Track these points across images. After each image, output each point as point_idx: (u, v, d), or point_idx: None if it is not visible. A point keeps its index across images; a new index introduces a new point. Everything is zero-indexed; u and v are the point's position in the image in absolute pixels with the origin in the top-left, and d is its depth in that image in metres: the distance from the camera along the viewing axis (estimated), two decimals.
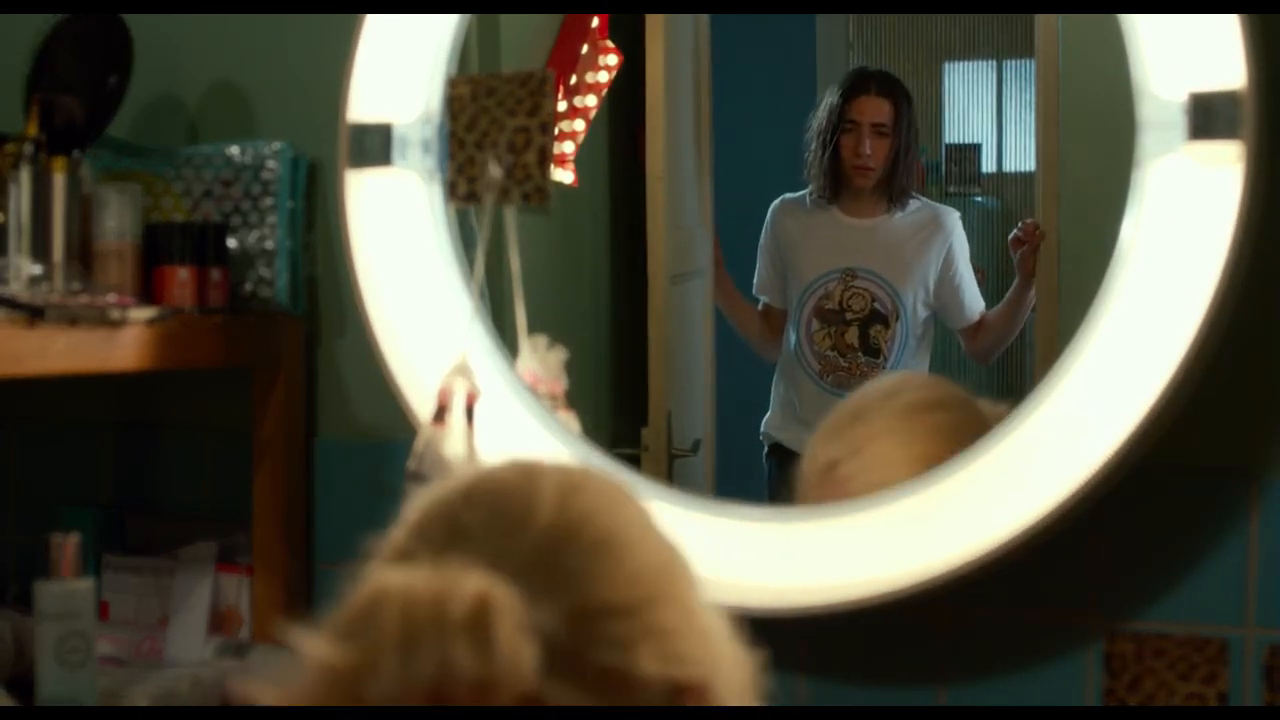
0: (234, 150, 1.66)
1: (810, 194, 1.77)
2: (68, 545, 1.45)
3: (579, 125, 1.77)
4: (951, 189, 1.78)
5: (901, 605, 1.33)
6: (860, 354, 1.74)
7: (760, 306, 1.81)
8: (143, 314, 1.50)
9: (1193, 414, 1.26)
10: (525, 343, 1.44)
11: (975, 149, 1.79)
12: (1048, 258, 1.56)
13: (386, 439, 1.63)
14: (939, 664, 1.43)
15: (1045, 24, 1.57)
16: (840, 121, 1.73)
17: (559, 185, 1.74)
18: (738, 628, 0.86)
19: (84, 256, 1.53)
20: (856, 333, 1.74)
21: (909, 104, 1.73)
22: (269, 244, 1.64)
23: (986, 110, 1.79)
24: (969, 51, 1.81)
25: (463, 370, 1.38)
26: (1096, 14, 1.36)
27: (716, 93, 1.81)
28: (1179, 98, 1.25)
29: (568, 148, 1.76)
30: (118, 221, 1.56)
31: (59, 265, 1.49)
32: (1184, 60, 1.25)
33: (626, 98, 1.77)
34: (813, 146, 1.75)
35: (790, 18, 1.82)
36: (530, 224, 1.54)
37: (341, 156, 1.56)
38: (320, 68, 1.64)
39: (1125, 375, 1.26)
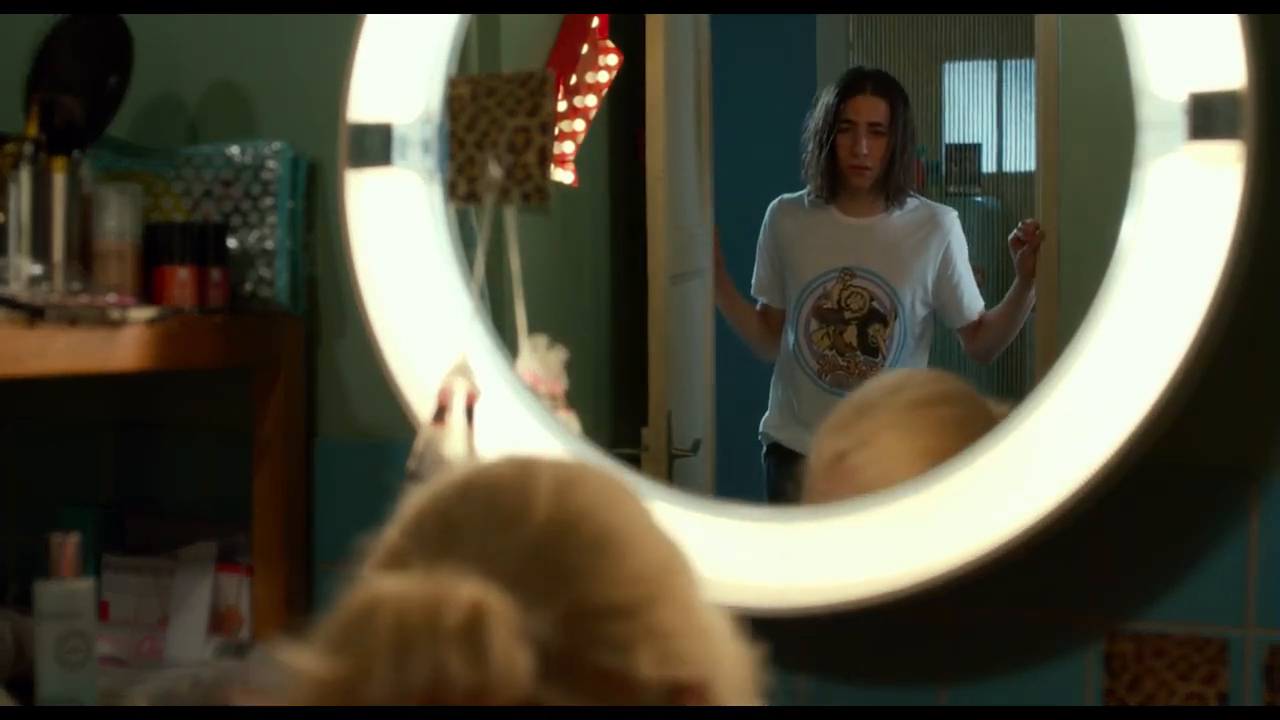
0: (234, 150, 1.66)
1: (808, 194, 1.77)
2: (68, 545, 1.45)
3: (579, 125, 1.77)
4: (951, 189, 1.78)
5: (902, 605, 1.33)
6: (859, 353, 1.74)
7: (759, 307, 1.81)
8: (143, 314, 1.50)
9: (1193, 414, 1.26)
10: (525, 343, 1.44)
11: (975, 149, 1.79)
12: (1048, 258, 1.56)
13: (386, 439, 1.62)
14: (939, 664, 1.43)
15: (1045, 24, 1.57)
16: (836, 121, 1.73)
17: (559, 185, 1.74)
18: (738, 626, 0.85)
19: (84, 256, 1.53)
20: (855, 332, 1.74)
21: (905, 103, 1.73)
22: (269, 244, 1.64)
23: (986, 110, 1.79)
24: (969, 51, 1.81)
25: (463, 370, 1.38)
26: (1096, 14, 1.36)
27: (716, 93, 1.81)
28: (1179, 98, 1.25)
29: (568, 148, 1.76)
30: (118, 221, 1.56)
31: (59, 265, 1.49)
32: (1184, 60, 1.25)
33: (626, 98, 1.77)
34: (810, 147, 1.75)
35: (790, 18, 1.82)
36: (530, 224, 1.54)
37: (341, 156, 1.56)
38: (320, 68, 1.64)
39: (1125, 375, 1.26)
